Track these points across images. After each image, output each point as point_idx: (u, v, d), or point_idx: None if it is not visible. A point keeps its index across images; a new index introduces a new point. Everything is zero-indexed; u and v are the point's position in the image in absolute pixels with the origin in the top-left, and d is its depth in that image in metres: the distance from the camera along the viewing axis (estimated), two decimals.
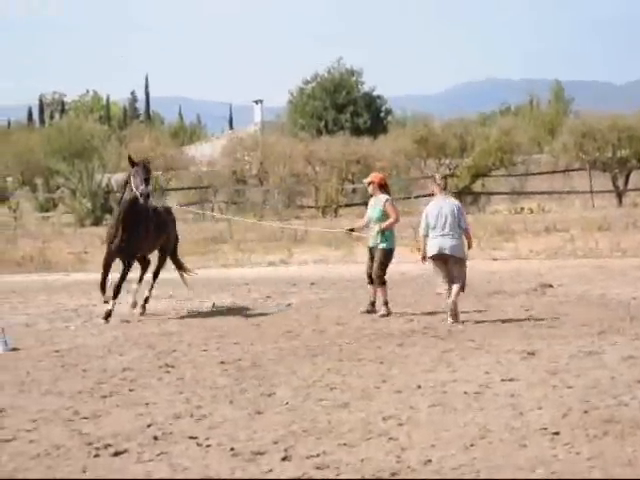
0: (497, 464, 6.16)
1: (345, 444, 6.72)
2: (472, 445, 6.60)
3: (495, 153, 43.10)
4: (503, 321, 12.54)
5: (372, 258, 13.69)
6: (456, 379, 8.81)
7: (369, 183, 13.96)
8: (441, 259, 12.78)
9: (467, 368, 9.34)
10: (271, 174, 44.42)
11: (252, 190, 43.96)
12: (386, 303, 13.47)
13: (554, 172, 45.50)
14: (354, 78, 69.72)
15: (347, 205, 42.68)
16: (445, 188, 13.32)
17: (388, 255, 13.63)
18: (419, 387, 8.50)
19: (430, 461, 6.27)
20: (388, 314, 13.32)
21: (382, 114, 70.92)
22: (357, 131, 59.64)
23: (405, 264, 19.82)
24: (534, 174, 45.97)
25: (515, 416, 7.36)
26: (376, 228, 13.60)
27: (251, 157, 47.11)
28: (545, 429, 6.94)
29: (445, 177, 14.48)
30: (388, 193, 13.94)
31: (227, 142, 50.17)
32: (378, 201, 13.75)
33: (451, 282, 12.71)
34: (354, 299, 15.21)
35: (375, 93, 70.84)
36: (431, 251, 12.76)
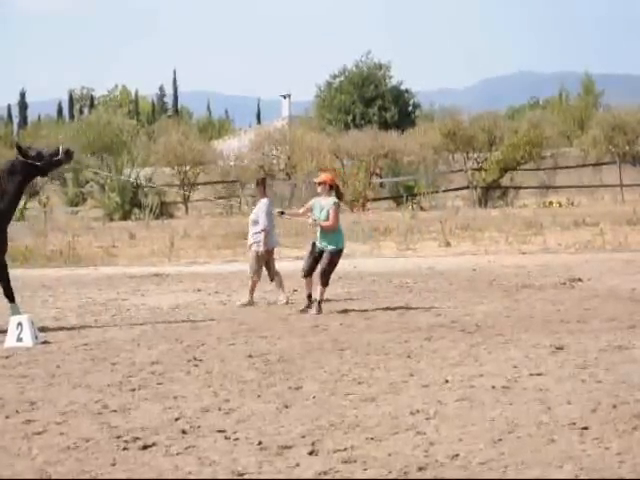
0: (525, 459, 6.13)
1: (372, 438, 6.72)
2: (500, 440, 6.58)
3: (524, 147, 42.95)
4: (531, 315, 12.48)
5: (317, 256, 13.45)
6: (484, 373, 8.78)
7: (319, 183, 13.79)
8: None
9: (495, 362, 9.30)
10: (299, 168, 44.50)
11: (279, 184, 44.01)
12: (320, 302, 13.28)
13: (583, 166, 45.28)
14: (382, 72, 69.60)
15: (375, 199, 42.67)
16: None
17: (336, 257, 13.43)
18: (447, 381, 8.48)
19: (458, 455, 6.25)
20: (319, 313, 13.14)
21: (410, 108, 70.77)
22: (385, 125, 59.60)
23: (432, 258, 19.78)
24: (563, 168, 45.78)
25: (543, 411, 7.33)
26: (318, 229, 13.45)
27: (279, 151, 47.25)
28: (574, 424, 6.90)
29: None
30: (338, 194, 13.73)
31: (255, 136, 50.31)
32: (327, 203, 13.52)
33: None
34: (381, 293, 15.21)
35: (403, 87, 70.72)
36: None
